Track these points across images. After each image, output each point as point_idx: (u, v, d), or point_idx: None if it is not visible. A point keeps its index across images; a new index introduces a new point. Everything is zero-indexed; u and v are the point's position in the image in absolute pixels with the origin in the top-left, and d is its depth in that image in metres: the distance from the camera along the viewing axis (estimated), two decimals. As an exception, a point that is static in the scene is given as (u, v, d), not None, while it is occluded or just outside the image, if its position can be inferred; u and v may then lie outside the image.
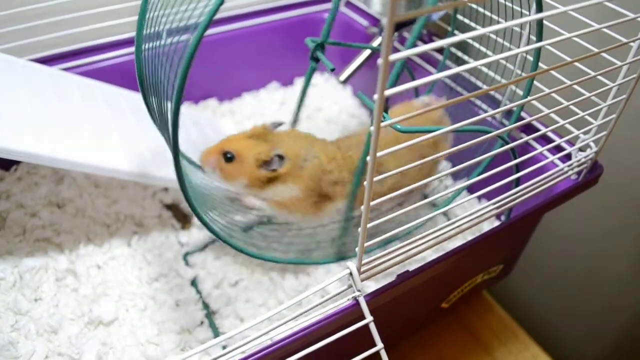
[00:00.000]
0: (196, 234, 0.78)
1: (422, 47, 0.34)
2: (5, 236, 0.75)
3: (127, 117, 0.79)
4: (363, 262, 0.46)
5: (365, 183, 0.38)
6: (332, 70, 0.59)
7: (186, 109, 0.93)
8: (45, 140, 0.65)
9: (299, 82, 1.06)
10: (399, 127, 0.49)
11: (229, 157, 0.63)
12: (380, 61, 0.31)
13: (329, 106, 1.02)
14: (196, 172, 0.68)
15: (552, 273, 0.98)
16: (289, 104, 1.02)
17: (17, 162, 0.84)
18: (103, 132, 0.73)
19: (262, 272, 0.73)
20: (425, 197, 0.76)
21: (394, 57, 0.32)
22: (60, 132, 0.68)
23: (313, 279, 0.72)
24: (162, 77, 0.51)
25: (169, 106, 0.49)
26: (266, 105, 1.01)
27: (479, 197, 0.81)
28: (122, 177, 0.70)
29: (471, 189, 0.80)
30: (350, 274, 0.46)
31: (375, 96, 0.33)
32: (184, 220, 0.80)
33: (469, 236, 0.68)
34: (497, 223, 0.70)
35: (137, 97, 0.85)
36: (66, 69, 0.83)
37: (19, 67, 0.75)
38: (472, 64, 0.38)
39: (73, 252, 0.73)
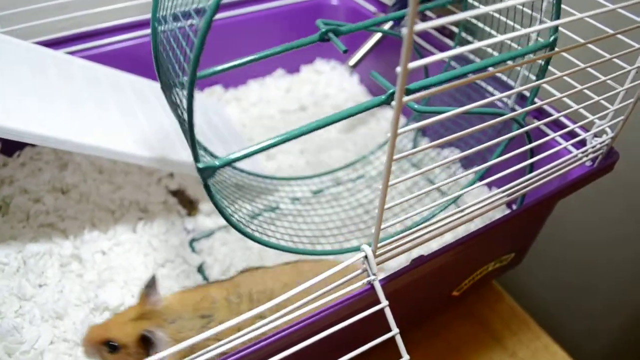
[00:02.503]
0: (202, 220, 0.77)
1: (446, 19, 0.33)
2: (9, 221, 0.73)
3: (132, 101, 0.78)
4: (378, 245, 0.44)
5: (385, 161, 0.37)
6: (345, 51, 0.58)
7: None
8: (52, 122, 0.64)
9: (305, 70, 1.05)
10: (415, 106, 0.48)
11: (113, 347, 0.52)
12: (404, 31, 0.30)
13: (336, 94, 1.01)
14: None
15: (558, 264, 0.97)
16: (294, 91, 1.00)
17: (20, 148, 0.83)
18: (109, 115, 0.72)
19: (269, 258, 0.72)
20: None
21: (419, 27, 0.31)
22: (66, 114, 0.67)
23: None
24: (173, 61, 0.50)
25: (180, 92, 0.48)
26: (272, 93, 1.00)
27: (489, 185, 0.80)
28: (130, 160, 0.68)
29: (482, 177, 0.79)
30: (366, 257, 0.45)
31: (398, 68, 0.32)
32: (190, 207, 0.79)
33: (481, 223, 0.67)
34: (508, 211, 0.68)
35: (140, 82, 0.84)
36: (70, 53, 0.81)
37: (23, 50, 0.73)
38: (489, 40, 0.37)
39: (78, 238, 0.72)
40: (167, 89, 0.57)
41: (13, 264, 0.68)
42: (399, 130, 0.35)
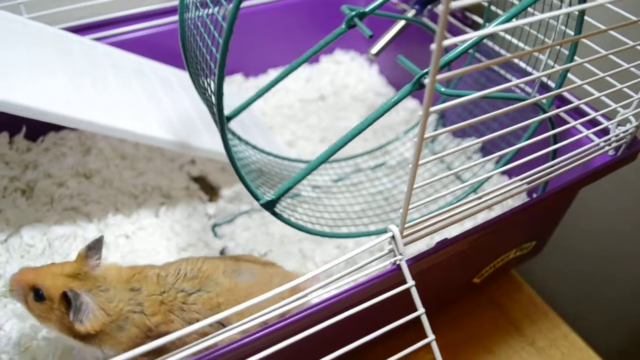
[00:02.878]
0: (224, 206, 0.77)
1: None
2: (33, 205, 0.75)
3: (156, 86, 0.79)
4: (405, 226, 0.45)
5: (415, 139, 0.37)
6: (371, 36, 0.58)
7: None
8: (80, 104, 0.65)
9: (325, 60, 1.05)
10: (442, 89, 0.48)
11: (39, 295, 0.51)
12: (441, 8, 0.31)
13: (355, 84, 1.01)
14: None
15: (577, 254, 0.97)
16: (314, 81, 1.01)
17: (44, 133, 0.84)
18: (135, 100, 0.73)
19: (291, 243, 0.73)
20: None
21: (455, 4, 0.31)
22: (93, 97, 0.68)
23: (341, 252, 0.72)
24: (202, 48, 0.51)
25: (210, 79, 0.49)
26: (292, 82, 1.00)
27: (509, 174, 0.80)
28: (155, 144, 0.69)
29: (502, 165, 0.79)
30: (393, 237, 0.45)
31: (433, 45, 0.32)
32: (211, 193, 0.80)
33: (501, 210, 0.66)
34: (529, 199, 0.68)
35: (162, 68, 0.85)
36: (93, 40, 0.82)
37: (49, 35, 0.74)
38: (521, 20, 0.37)
39: (102, 222, 0.73)
40: (196, 76, 0.58)
41: (39, 246, 0.69)
42: (431, 109, 0.36)
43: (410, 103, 0.95)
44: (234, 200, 0.78)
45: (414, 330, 0.47)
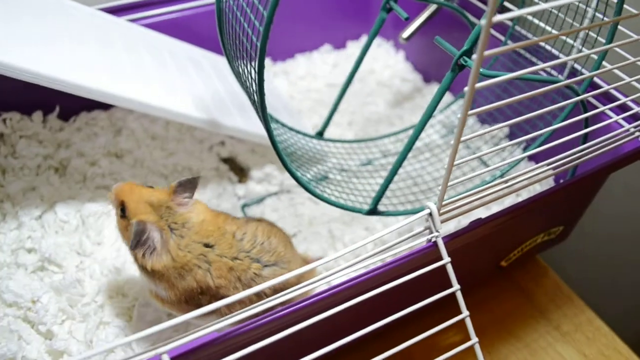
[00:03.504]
0: (253, 187, 0.78)
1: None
2: (66, 182, 0.76)
3: (189, 68, 0.80)
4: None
5: (459, 115, 0.38)
6: (406, 19, 0.59)
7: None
8: (119, 82, 0.66)
9: (351, 46, 1.05)
10: (480, 69, 0.49)
11: (122, 211, 0.53)
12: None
13: (381, 70, 1.01)
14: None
15: (601, 240, 0.97)
16: (341, 66, 1.01)
17: (76, 113, 0.85)
18: (170, 80, 0.74)
19: (320, 224, 0.73)
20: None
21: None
22: (131, 75, 0.69)
23: (369, 233, 0.72)
24: (240, 35, 0.51)
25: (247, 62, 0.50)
26: (319, 67, 1.01)
27: (535, 160, 0.80)
28: (189, 122, 0.71)
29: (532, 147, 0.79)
30: (430, 214, 0.46)
31: (482, 21, 0.33)
32: (240, 174, 0.80)
33: (527, 194, 0.67)
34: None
35: (194, 50, 0.86)
36: (129, 21, 0.83)
37: (87, 15, 0.76)
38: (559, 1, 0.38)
39: (134, 200, 0.75)
40: (233, 59, 0.59)
41: (72, 222, 0.70)
42: (477, 85, 0.36)
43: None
44: (263, 182, 0.79)
45: (437, 313, 0.48)
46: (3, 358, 0.55)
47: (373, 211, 0.61)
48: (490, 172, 0.73)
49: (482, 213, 0.70)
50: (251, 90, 0.54)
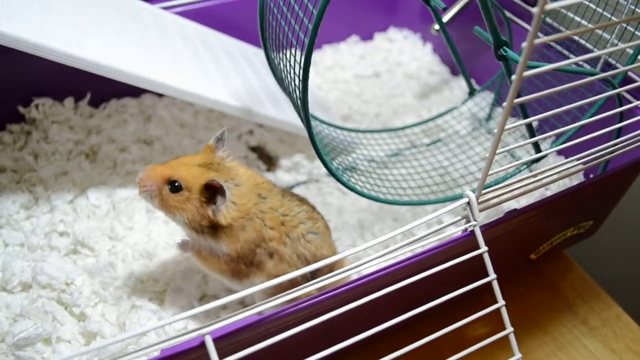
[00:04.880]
0: (282, 175, 0.79)
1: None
2: (97, 168, 0.77)
3: (221, 56, 0.81)
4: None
5: (504, 104, 0.38)
6: (444, 9, 0.59)
7: (262, 53, 0.92)
8: (155, 68, 0.67)
9: (378, 38, 1.06)
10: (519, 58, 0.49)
11: (176, 187, 0.53)
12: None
13: (408, 62, 1.01)
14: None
15: (630, 235, 0.96)
16: (368, 58, 1.01)
17: (106, 100, 0.86)
18: (204, 68, 0.75)
19: (348, 214, 0.74)
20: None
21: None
22: (166, 62, 0.70)
23: (398, 224, 0.73)
24: (283, 25, 0.52)
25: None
26: (346, 58, 1.01)
27: (565, 154, 0.80)
28: (223, 109, 0.71)
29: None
30: (468, 203, 0.46)
31: (535, 9, 0.33)
32: (269, 163, 0.81)
33: (557, 188, 0.67)
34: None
35: (225, 40, 0.87)
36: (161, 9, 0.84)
37: (120, 1, 0.76)
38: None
39: (164, 186, 0.75)
40: (272, 51, 0.60)
41: (104, 207, 0.71)
42: (525, 73, 0.36)
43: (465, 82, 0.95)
44: (291, 171, 0.79)
45: (463, 306, 0.48)
46: (38, 338, 0.56)
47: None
48: (523, 164, 0.73)
49: (512, 207, 0.70)
50: (289, 81, 0.54)
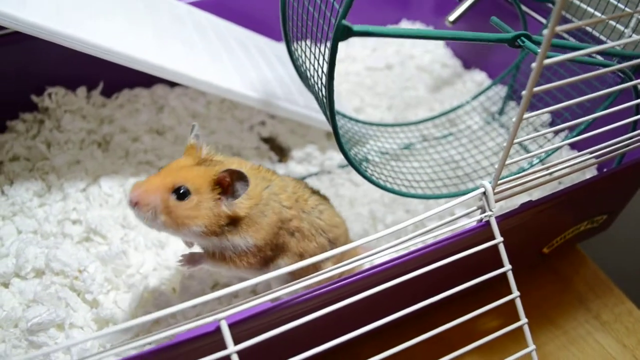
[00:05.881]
0: (294, 167, 0.79)
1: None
2: (109, 157, 0.77)
3: (235, 48, 0.81)
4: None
5: (523, 92, 0.38)
6: (460, 0, 0.59)
7: (274, 44, 0.93)
8: (171, 56, 0.67)
9: (390, 30, 1.05)
10: (538, 50, 0.48)
11: (183, 193, 0.48)
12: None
13: (421, 55, 1.01)
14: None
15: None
16: (380, 51, 1.01)
17: (118, 90, 0.86)
18: (219, 58, 0.75)
19: (360, 205, 0.74)
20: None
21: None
22: (181, 52, 0.70)
23: (410, 215, 0.72)
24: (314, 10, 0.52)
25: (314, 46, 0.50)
26: (358, 50, 1.01)
27: (577, 147, 0.80)
28: (238, 99, 0.72)
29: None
30: (484, 193, 0.46)
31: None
32: (281, 154, 0.81)
33: (570, 182, 0.66)
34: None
35: (238, 30, 0.87)
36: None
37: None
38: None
39: (176, 176, 0.75)
40: (295, 41, 0.60)
41: (116, 196, 0.72)
42: (545, 62, 0.36)
43: (478, 75, 0.95)
44: (303, 162, 0.79)
45: (473, 299, 0.49)
46: (52, 323, 0.56)
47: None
48: (536, 156, 0.73)
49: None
50: (312, 72, 0.54)
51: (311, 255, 0.44)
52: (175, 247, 0.66)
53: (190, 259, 0.53)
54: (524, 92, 0.38)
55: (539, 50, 0.48)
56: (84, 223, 0.67)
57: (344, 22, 0.43)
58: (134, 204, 0.47)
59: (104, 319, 0.59)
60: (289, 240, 0.54)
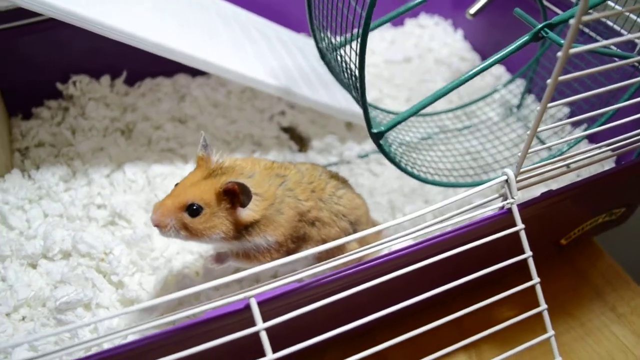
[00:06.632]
0: (314, 156, 0.80)
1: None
2: (132, 144, 0.78)
3: (257, 38, 0.82)
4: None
5: (548, 81, 0.39)
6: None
7: (295, 35, 0.94)
8: (193, 42, 0.68)
9: (409, 24, 1.06)
10: (561, 41, 0.49)
11: (195, 210, 0.50)
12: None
13: (439, 48, 1.01)
14: None
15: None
16: (399, 43, 1.02)
17: (140, 79, 0.87)
18: (242, 47, 0.76)
19: (380, 195, 0.74)
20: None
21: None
22: (207, 39, 0.71)
23: (429, 205, 0.73)
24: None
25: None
26: (376, 43, 1.02)
27: (594, 140, 0.80)
28: (261, 88, 0.73)
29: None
30: (507, 181, 0.47)
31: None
32: (301, 144, 0.82)
33: (587, 174, 0.67)
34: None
35: (259, 21, 0.89)
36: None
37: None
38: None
39: (198, 163, 0.77)
40: (321, 30, 0.60)
41: (140, 182, 0.73)
42: (571, 51, 0.37)
43: (496, 69, 0.95)
44: (323, 152, 0.80)
45: (489, 288, 0.49)
46: (79, 303, 0.57)
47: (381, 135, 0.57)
48: (557, 149, 0.73)
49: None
50: (340, 62, 0.55)
51: (334, 240, 0.45)
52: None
53: (218, 258, 0.57)
54: (549, 81, 0.39)
55: (562, 41, 0.49)
56: (109, 207, 0.68)
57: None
58: (155, 226, 0.51)
59: (129, 299, 0.60)
60: (310, 230, 0.55)
